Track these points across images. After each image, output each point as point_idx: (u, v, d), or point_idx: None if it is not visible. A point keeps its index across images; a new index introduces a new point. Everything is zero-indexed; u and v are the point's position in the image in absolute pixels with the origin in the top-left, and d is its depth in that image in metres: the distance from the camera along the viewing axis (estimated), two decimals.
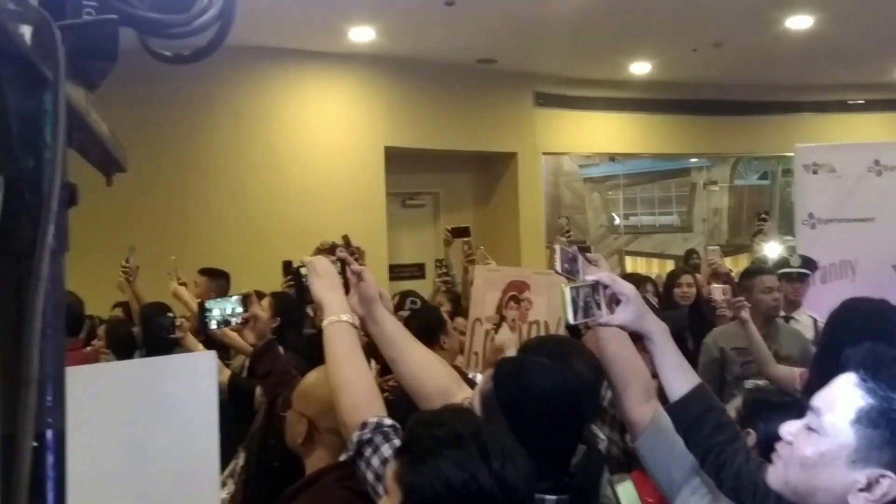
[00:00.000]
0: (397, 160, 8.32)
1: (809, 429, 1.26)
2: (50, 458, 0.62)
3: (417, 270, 8.82)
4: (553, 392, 1.59)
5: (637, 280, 5.20)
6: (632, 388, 1.83)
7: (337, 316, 1.75)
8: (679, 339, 2.56)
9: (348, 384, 1.69)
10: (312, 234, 5.75)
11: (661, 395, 1.80)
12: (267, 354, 2.58)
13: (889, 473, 1.18)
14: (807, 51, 8.02)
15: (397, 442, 1.54)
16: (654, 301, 4.88)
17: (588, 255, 2.03)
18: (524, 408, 1.58)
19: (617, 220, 13.55)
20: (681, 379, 1.67)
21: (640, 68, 9.00)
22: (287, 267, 4.24)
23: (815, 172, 5.94)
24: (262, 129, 7.72)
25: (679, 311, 4.87)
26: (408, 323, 3.81)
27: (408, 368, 1.91)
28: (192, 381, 1.41)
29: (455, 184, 9.44)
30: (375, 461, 1.56)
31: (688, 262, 8.20)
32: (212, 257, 6.03)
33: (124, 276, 5.06)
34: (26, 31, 0.56)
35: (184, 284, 5.03)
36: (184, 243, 6.59)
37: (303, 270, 1.87)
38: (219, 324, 2.47)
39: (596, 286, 1.68)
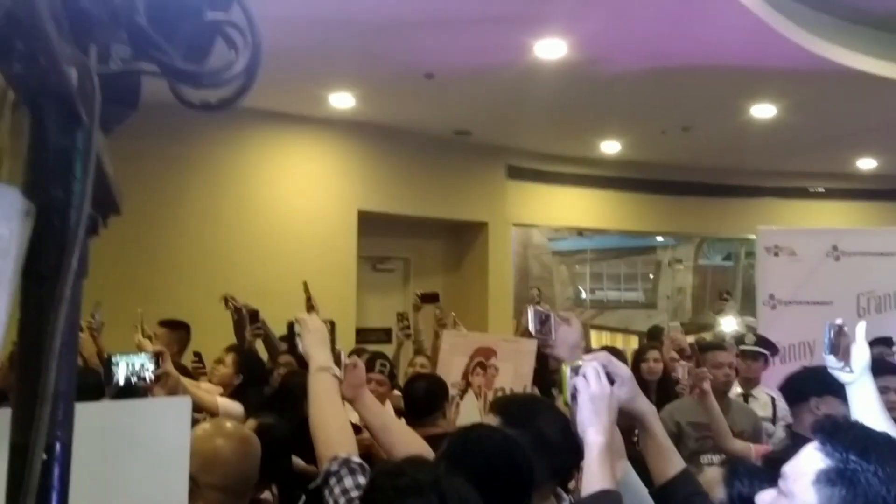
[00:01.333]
0: (370, 224, 8.41)
1: (780, 493, 1.34)
2: (56, 470, 0.66)
3: (384, 335, 8.80)
4: (495, 460, 1.66)
5: (612, 353, 5.26)
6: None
7: (322, 366, 1.96)
8: None
9: (326, 424, 1.86)
10: (283, 293, 5.78)
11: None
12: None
13: None
14: (770, 138, 8.34)
15: (361, 479, 1.66)
16: None
17: (561, 313, 2.10)
18: (470, 475, 1.62)
19: (583, 294, 13.71)
20: (667, 462, 1.74)
21: (611, 147, 9.26)
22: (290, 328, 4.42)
23: (776, 255, 6.14)
24: (238, 187, 7.78)
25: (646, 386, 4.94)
26: (412, 388, 3.84)
27: (393, 449, 2.12)
28: (166, 425, 1.43)
29: (426, 250, 9.53)
30: (337, 490, 1.69)
31: (653, 337, 8.31)
32: (179, 312, 6.01)
33: (88, 332, 5.02)
34: (73, 74, 0.63)
35: (148, 337, 5.01)
36: (152, 297, 6.56)
37: (296, 327, 2.08)
38: (126, 379, 2.52)
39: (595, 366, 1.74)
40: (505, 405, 1.98)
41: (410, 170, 8.58)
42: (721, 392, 4.20)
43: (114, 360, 2.53)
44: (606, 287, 13.81)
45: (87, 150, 0.64)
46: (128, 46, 0.73)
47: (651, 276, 13.71)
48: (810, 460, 1.30)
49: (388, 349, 7.49)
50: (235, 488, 1.95)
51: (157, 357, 2.61)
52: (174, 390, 2.65)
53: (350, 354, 2.47)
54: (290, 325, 2.09)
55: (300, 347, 2.03)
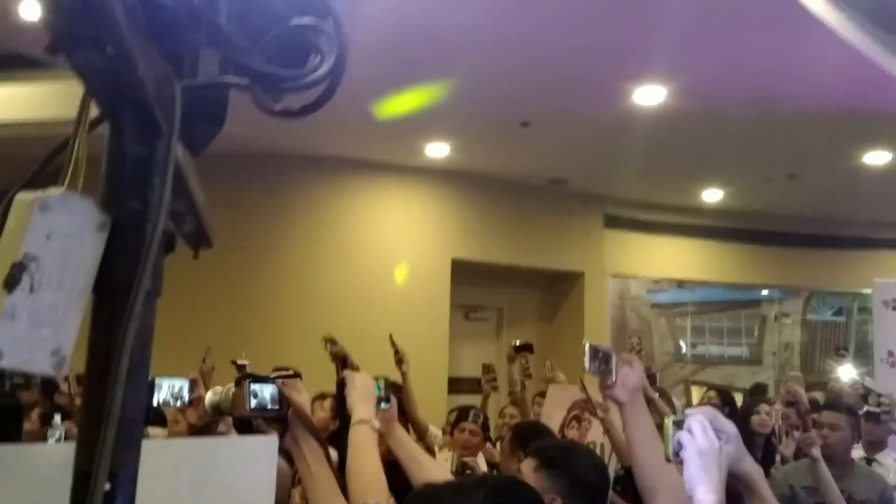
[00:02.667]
0: (464, 273, 8.38)
1: None
2: (119, 501, 0.61)
3: (477, 385, 8.68)
4: None
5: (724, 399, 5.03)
6: (659, 495, 1.81)
7: (362, 419, 1.98)
8: None
9: (360, 474, 1.88)
10: (378, 339, 5.77)
11: None
12: (205, 433, 2.80)
13: None
14: (885, 186, 7.93)
15: None
16: None
17: (623, 354, 2.00)
18: None
19: (684, 349, 13.25)
20: None
21: (712, 196, 9.00)
22: (340, 386, 4.52)
23: (894, 309, 5.77)
24: (336, 235, 7.91)
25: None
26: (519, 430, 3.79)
27: (419, 477, 2.13)
28: (251, 464, 1.40)
29: (520, 299, 9.42)
30: None
31: (756, 395, 7.91)
32: (280, 356, 6.04)
33: (200, 377, 5.09)
34: (151, 81, 0.60)
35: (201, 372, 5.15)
36: (254, 341, 6.67)
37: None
38: (159, 402, 2.67)
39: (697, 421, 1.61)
40: (542, 448, 2.07)
41: (505, 218, 8.54)
42: (839, 457, 3.91)
43: (158, 381, 2.67)
44: (708, 342, 13.30)
45: (165, 161, 0.60)
46: (215, 58, 0.71)
47: (756, 331, 13.15)
48: None
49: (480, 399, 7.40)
50: None
51: (193, 383, 2.76)
52: (204, 415, 2.77)
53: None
54: (341, 383, 2.09)
55: (347, 400, 2.04)
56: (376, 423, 1.99)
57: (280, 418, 1.74)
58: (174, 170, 0.75)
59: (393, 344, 5.13)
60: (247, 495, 1.41)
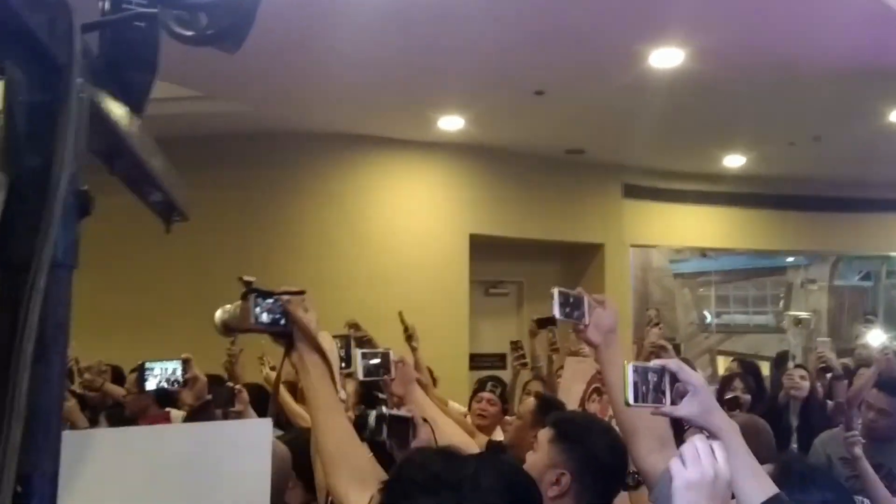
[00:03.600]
0: (482, 248, 8.27)
1: None
2: None
3: (498, 360, 8.63)
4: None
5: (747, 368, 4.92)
6: (640, 437, 1.79)
7: None
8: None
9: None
10: (394, 318, 5.71)
11: None
12: (202, 414, 2.77)
13: None
14: None
15: None
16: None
17: (595, 295, 1.98)
18: None
19: (708, 318, 13.08)
20: (754, 483, 1.53)
21: (734, 161, 8.80)
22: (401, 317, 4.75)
23: None
24: (349, 213, 7.82)
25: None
26: None
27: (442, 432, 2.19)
28: (246, 448, 1.34)
29: (539, 273, 9.29)
30: None
31: (780, 364, 7.74)
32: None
33: (228, 360, 5.04)
34: (42, 18, 0.50)
35: (273, 368, 5.03)
36: None
37: None
38: (158, 384, 2.69)
39: (662, 371, 1.59)
40: (561, 420, 2.03)
41: (522, 192, 8.41)
42: (880, 434, 3.76)
43: (148, 366, 2.67)
44: (733, 310, 13.12)
45: (67, 104, 0.51)
46: None
47: (782, 298, 12.94)
48: None
49: (502, 374, 7.32)
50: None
51: (185, 363, 2.76)
52: (201, 394, 2.81)
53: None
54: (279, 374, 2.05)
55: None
56: (342, 394, 1.96)
57: (286, 334, 1.75)
58: (105, 127, 0.65)
59: (403, 321, 5.06)
60: (242, 480, 1.36)
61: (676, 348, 11.39)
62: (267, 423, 1.42)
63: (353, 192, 7.86)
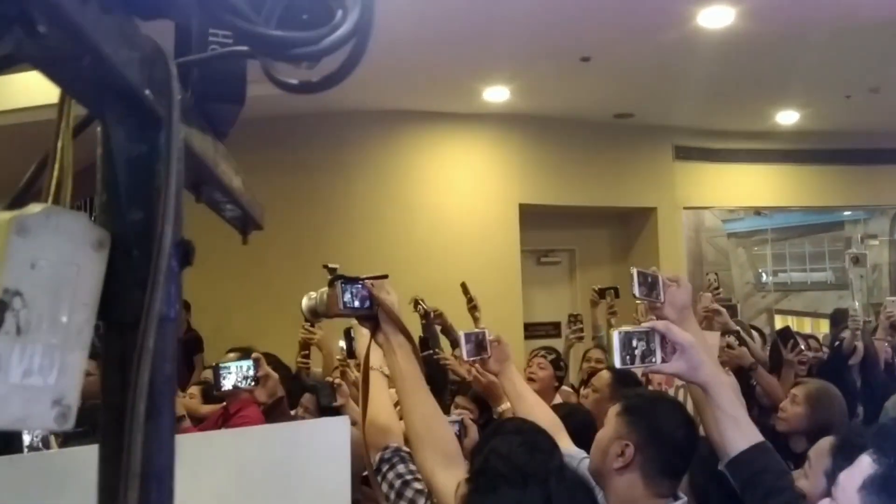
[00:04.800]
0: (532, 217, 8.22)
1: (832, 501, 1.28)
2: None
3: (553, 329, 8.60)
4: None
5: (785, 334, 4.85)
6: (719, 390, 1.82)
7: (371, 367, 1.99)
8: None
9: (377, 417, 1.92)
10: (447, 291, 5.72)
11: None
12: (276, 410, 2.86)
13: None
14: None
15: (412, 466, 1.74)
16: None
17: (668, 276, 2.04)
18: None
19: (765, 278, 12.85)
20: (736, 434, 1.66)
21: (787, 118, 8.56)
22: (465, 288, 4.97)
23: None
24: (399, 188, 7.83)
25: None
26: None
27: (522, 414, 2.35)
28: (325, 447, 1.35)
29: (591, 240, 9.22)
30: (391, 475, 1.76)
31: (838, 322, 7.56)
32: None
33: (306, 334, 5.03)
34: (135, 63, 0.48)
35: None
36: None
37: (352, 332, 2.20)
38: (234, 384, 2.76)
39: (651, 333, 1.68)
40: (629, 395, 2.09)
41: (571, 159, 8.32)
42: None
43: (223, 366, 2.74)
44: (790, 269, 12.85)
45: (168, 156, 0.49)
46: (228, 31, 0.60)
47: (840, 254, 12.63)
48: (861, 467, 1.24)
49: (556, 343, 7.31)
50: None
51: (256, 362, 2.70)
52: (273, 391, 2.90)
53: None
54: (347, 331, 2.11)
55: (356, 350, 2.12)
56: (385, 370, 2.00)
57: (371, 317, 1.81)
58: (195, 162, 0.64)
59: (466, 291, 5.15)
60: (323, 479, 1.36)
61: (733, 309, 11.21)
62: (344, 420, 1.42)
63: (402, 168, 7.86)
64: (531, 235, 8.38)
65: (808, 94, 7.78)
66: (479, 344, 2.56)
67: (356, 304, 1.79)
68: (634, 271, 1.95)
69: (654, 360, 1.68)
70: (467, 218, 7.98)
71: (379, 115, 7.60)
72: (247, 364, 2.70)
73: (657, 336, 1.68)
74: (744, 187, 9.49)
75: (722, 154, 9.09)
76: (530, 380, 4.45)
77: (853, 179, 9.59)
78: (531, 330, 8.36)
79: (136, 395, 0.49)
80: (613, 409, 2.09)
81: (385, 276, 1.88)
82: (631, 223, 9.14)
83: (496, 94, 7.29)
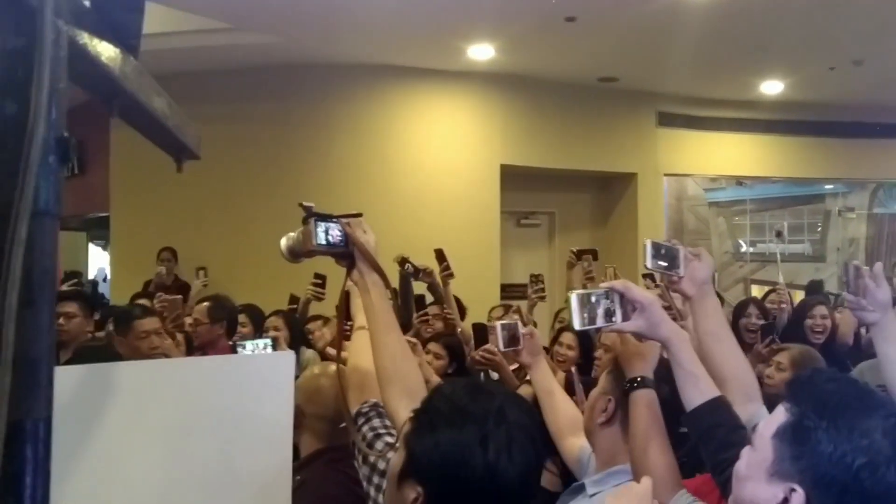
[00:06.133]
0: (513, 178, 8.22)
1: (751, 448, 1.31)
2: (28, 452, 0.53)
3: None
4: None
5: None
6: (727, 388, 1.81)
7: (362, 325, 1.97)
8: None
9: (364, 373, 1.92)
10: (425, 249, 5.74)
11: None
12: None
13: (798, 488, 1.21)
14: None
15: (387, 421, 1.75)
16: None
17: (691, 248, 1.96)
18: None
19: (743, 247, 12.94)
20: (694, 390, 1.68)
21: (772, 87, 8.56)
22: (442, 255, 4.82)
23: None
24: (380, 144, 7.80)
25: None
26: None
27: (554, 413, 2.45)
28: (270, 382, 1.36)
29: (572, 204, 9.25)
30: (365, 428, 1.77)
31: (813, 293, 7.65)
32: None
33: (312, 293, 5.07)
34: None
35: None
36: None
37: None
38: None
39: (611, 293, 1.68)
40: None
41: (554, 121, 8.30)
42: None
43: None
44: (769, 239, 12.94)
45: (41, 48, 0.50)
46: None
47: (819, 226, 12.72)
48: (776, 416, 1.28)
49: (523, 304, 7.37)
50: (333, 418, 2.17)
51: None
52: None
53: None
54: (346, 294, 2.06)
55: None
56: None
57: (347, 255, 1.82)
58: (98, 71, 0.64)
59: (443, 258, 5.07)
60: (266, 413, 1.38)
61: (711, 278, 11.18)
62: (289, 356, 1.43)
63: (384, 124, 7.82)
64: (512, 197, 8.39)
65: (792, 65, 7.78)
66: (513, 336, 2.58)
67: (330, 241, 1.80)
68: (649, 242, 1.87)
69: (614, 319, 1.69)
70: (448, 177, 7.97)
71: (363, 69, 7.54)
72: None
73: (616, 296, 1.69)
74: (726, 156, 9.52)
75: (705, 122, 9.10)
76: (560, 362, 4.50)
77: (834, 152, 9.63)
78: (508, 290, 8.40)
79: (7, 285, 0.50)
80: (606, 368, 2.14)
81: (359, 215, 1.87)
82: (612, 188, 9.17)
83: (481, 52, 7.24)
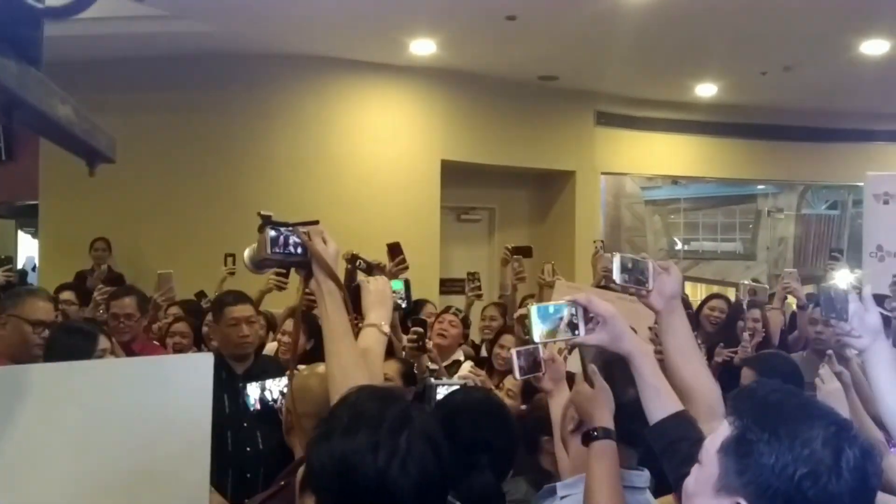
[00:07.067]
0: (454, 174, 8.27)
1: (698, 464, 1.30)
2: None
3: None
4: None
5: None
6: (691, 403, 1.78)
7: (370, 322, 1.96)
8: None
9: (342, 371, 1.82)
10: (365, 243, 5.73)
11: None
12: None
13: (742, 501, 1.19)
14: (882, 77, 7.71)
15: None
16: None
17: (660, 262, 1.92)
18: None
19: (678, 245, 13.26)
20: (656, 403, 1.66)
21: (706, 90, 8.79)
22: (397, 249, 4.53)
23: (885, 203, 5.72)
24: (321, 137, 7.76)
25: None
26: None
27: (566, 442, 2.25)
28: (188, 383, 1.36)
29: (511, 200, 9.35)
30: None
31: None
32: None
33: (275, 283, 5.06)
34: None
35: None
36: (241, 245, 6.62)
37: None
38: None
39: (573, 305, 1.66)
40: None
41: (495, 118, 8.37)
42: (817, 352, 3.91)
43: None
44: (702, 237, 13.29)
45: None
46: None
47: (750, 226, 13.11)
48: (721, 431, 1.27)
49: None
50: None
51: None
52: None
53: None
54: (355, 290, 2.05)
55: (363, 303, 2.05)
56: (385, 328, 1.98)
57: (305, 264, 1.79)
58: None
59: (399, 251, 4.89)
60: (185, 413, 1.38)
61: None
62: (208, 357, 1.44)
63: (324, 116, 7.78)
64: (452, 192, 8.45)
65: (726, 69, 8.00)
66: (533, 361, 2.41)
67: (287, 249, 1.77)
68: (616, 257, 1.83)
69: (577, 332, 1.67)
70: (389, 171, 7.98)
71: (303, 60, 7.49)
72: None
73: (579, 308, 1.66)
74: (662, 156, 9.73)
75: (642, 122, 9.28)
76: (441, 335, 4.52)
77: (766, 154, 9.92)
78: (447, 285, 8.46)
79: None
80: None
81: (315, 222, 1.84)
82: (551, 185, 9.29)
83: (422, 47, 7.26)
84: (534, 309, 1.63)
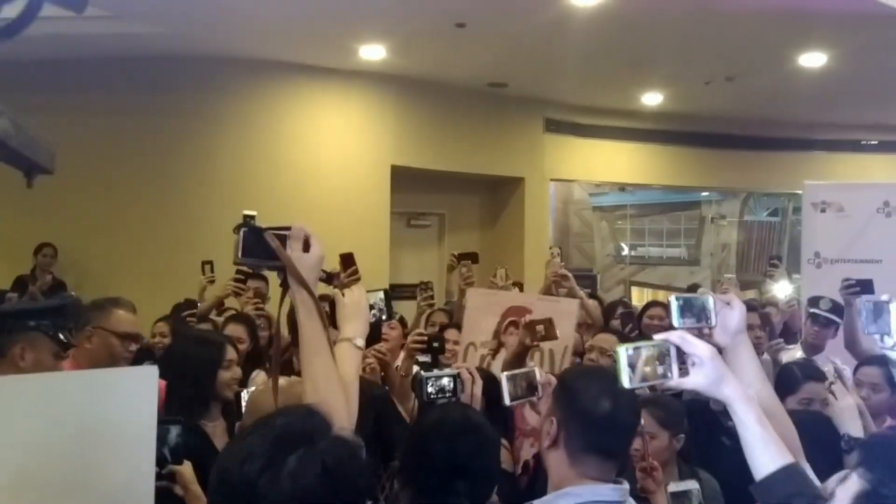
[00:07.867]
0: (404, 179, 8.28)
1: None
2: None
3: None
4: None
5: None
6: None
7: (344, 337, 1.87)
8: None
9: (316, 388, 1.75)
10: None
11: None
12: None
13: None
14: (820, 88, 7.96)
15: None
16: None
17: (721, 296, 1.78)
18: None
19: (624, 250, 13.46)
20: (764, 456, 1.51)
21: (652, 99, 8.96)
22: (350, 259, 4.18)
23: (823, 211, 5.87)
24: (269, 141, 7.69)
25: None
26: None
27: None
28: (133, 396, 1.35)
29: (461, 206, 9.40)
30: None
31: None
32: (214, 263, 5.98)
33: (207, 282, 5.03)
34: None
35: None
36: (187, 249, 6.54)
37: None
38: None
39: (664, 345, 1.53)
40: (566, 370, 2.05)
41: (444, 124, 8.41)
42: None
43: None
44: (648, 243, 13.52)
45: None
46: None
47: (694, 232, 13.39)
48: (851, 482, 1.22)
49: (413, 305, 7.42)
50: None
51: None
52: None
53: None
54: (331, 302, 1.97)
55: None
56: (359, 342, 1.90)
57: (280, 269, 1.73)
58: None
59: (352, 262, 4.81)
60: (129, 427, 1.36)
61: (594, 279, 11.64)
62: (153, 370, 1.42)
63: (271, 120, 7.71)
64: (402, 198, 8.45)
65: (671, 78, 8.16)
66: (528, 384, 2.25)
67: (259, 254, 1.70)
68: (673, 300, 1.67)
69: (670, 375, 1.52)
70: (338, 176, 7.95)
71: (250, 63, 7.42)
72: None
73: (673, 348, 1.52)
74: (609, 163, 9.88)
75: (590, 130, 9.42)
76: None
77: (709, 163, 10.14)
78: (397, 291, 8.43)
79: None
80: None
81: (287, 228, 1.75)
82: (500, 191, 9.36)
83: (372, 53, 7.26)
84: (622, 351, 1.47)
